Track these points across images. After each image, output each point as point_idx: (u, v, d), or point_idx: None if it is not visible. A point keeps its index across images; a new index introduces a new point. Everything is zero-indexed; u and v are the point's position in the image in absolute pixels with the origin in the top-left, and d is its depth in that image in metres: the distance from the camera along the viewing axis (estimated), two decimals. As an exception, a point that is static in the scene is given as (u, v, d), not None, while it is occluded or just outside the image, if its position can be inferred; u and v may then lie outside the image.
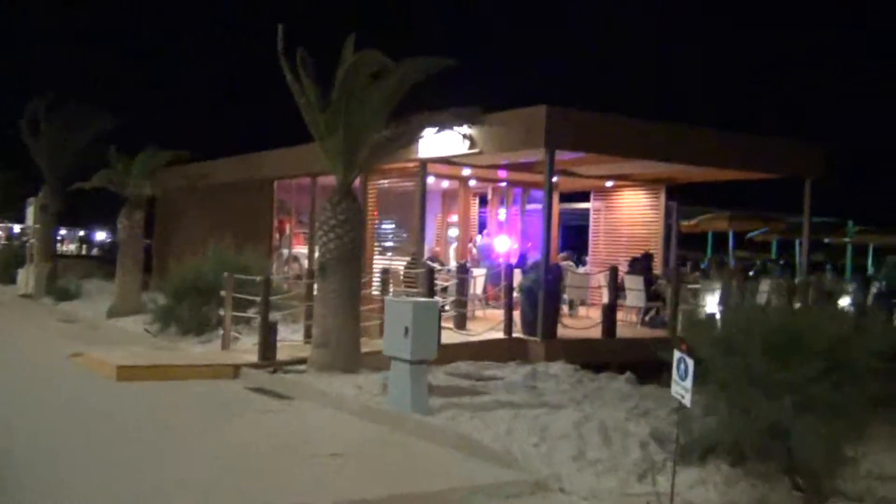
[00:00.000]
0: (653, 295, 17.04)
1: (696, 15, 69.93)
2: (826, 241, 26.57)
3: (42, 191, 27.49)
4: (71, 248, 57.23)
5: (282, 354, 13.75)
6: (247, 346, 14.80)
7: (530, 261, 18.24)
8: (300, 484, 7.74)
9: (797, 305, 9.38)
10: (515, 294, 15.30)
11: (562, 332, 15.02)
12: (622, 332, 15.71)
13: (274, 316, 14.29)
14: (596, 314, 18.32)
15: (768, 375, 8.07)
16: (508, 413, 9.94)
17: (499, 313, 17.54)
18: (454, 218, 21.86)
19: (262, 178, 23.03)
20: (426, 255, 18.06)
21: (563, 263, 18.10)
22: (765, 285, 16.48)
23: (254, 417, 10.49)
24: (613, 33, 71.81)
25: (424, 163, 17.06)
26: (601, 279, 18.25)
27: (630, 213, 20.65)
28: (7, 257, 31.24)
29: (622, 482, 8.07)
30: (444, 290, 16.69)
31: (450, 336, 14.26)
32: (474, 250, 20.23)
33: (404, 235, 19.39)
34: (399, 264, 18.14)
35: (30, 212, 28.52)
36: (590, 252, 21.76)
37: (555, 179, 19.49)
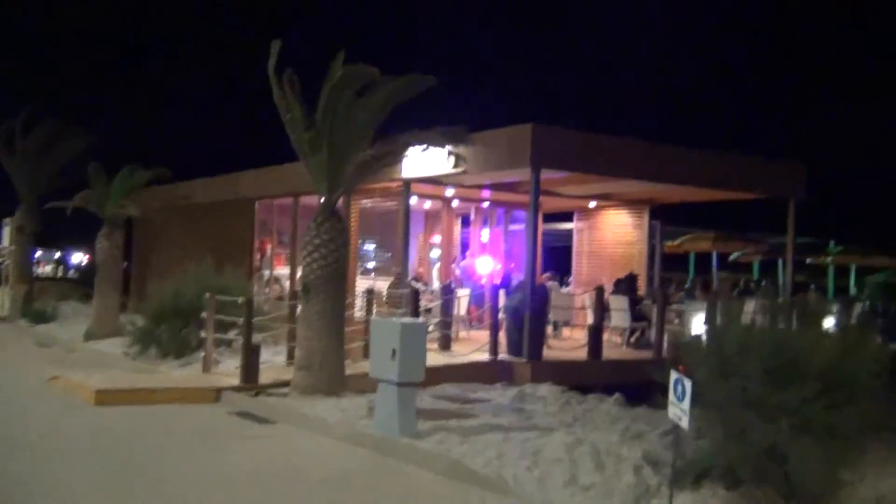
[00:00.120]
0: (637, 315, 16.94)
1: (682, 36, 70.33)
2: (808, 261, 26.66)
3: (18, 211, 27.11)
4: (47, 269, 56.50)
5: (264, 377, 13.51)
6: (228, 369, 14.54)
7: (515, 281, 18.14)
8: (288, 513, 7.54)
9: (782, 326, 9.25)
10: (500, 315, 15.15)
11: (547, 353, 14.91)
12: (608, 353, 15.60)
13: (255, 338, 14.05)
14: (580, 335, 18.24)
15: (765, 397, 7.97)
16: (498, 436, 9.79)
17: (483, 334, 17.40)
18: (437, 238, 21.74)
19: (243, 198, 22.82)
20: (410, 275, 17.90)
21: (548, 284, 17.96)
22: (749, 306, 16.39)
23: (238, 443, 10.24)
24: (597, 53, 72.11)
25: (408, 182, 16.93)
26: (586, 300, 18.16)
27: (613, 233, 20.60)
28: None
29: (617, 508, 7.93)
30: (428, 310, 16.52)
31: (435, 358, 14.06)
32: (457, 271, 20.09)
33: (387, 256, 19.26)
34: (382, 285, 17.97)
35: (6, 232, 28.13)
36: (573, 273, 21.68)
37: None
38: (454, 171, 15.72)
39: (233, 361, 14.81)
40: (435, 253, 21.55)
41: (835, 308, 16.13)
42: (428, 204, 20.45)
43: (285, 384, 13.06)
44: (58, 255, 63.58)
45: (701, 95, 67.51)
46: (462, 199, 19.94)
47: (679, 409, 7.82)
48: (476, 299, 19.06)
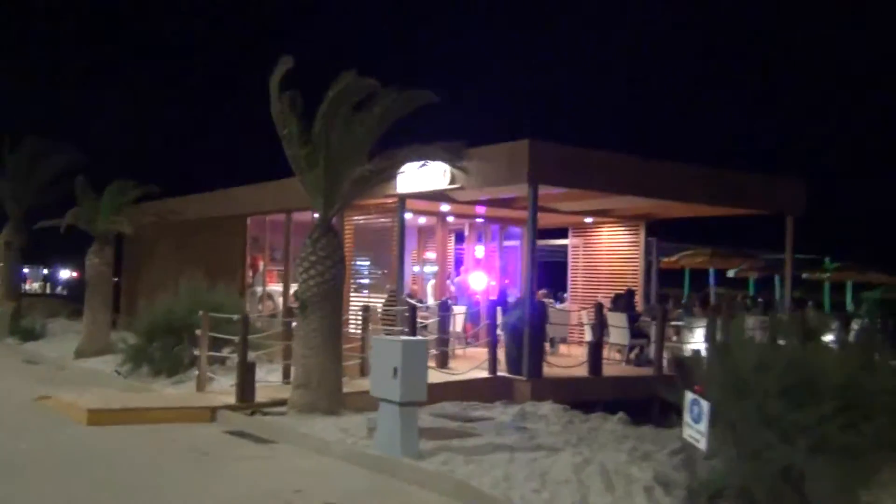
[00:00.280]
0: (636, 332, 16.79)
1: (680, 51, 70.61)
2: (804, 276, 26.61)
3: (6, 227, 26.78)
4: (35, 286, 56.00)
5: (260, 396, 13.27)
6: (223, 388, 14.30)
7: (511, 297, 17.97)
8: (294, 538, 7.31)
9: (794, 343, 9.12)
10: (498, 332, 14.98)
11: (547, 370, 14.72)
12: (607, 370, 15.45)
13: (250, 356, 13.81)
14: (577, 352, 18.10)
15: (781, 416, 7.80)
16: (504, 457, 9.59)
17: (479, 351, 17.22)
18: (430, 254, 21.56)
19: (235, 213, 22.59)
20: (404, 291, 17.70)
21: (544, 301, 17.80)
22: (749, 322, 16.28)
23: (235, 465, 9.99)
24: (594, 68, 72.27)
25: (403, 198, 16.75)
26: (583, 316, 18.02)
27: (609, 249, 20.49)
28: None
29: (630, 530, 7.76)
30: (425, 327, 16.31)
31: (433, 375, 13.80)
32: (452, 287, 19.90)
33: (380, 272, 19.06)
34: (376, 301, 17.77)
35: (-7, 248, 27.75)
36: (568, 289, 21.53)
37: (535, 215, 19.36)
38: (450, 186, 15.57)
39: (227, 379, 14.57)
40: (428, 269, 21.36)
41: (834, 324, 16.03)
42: (422, 220, 20.27)
43: (282, 403, 12.84)
44: (45, 271, 63.11)
45: (697, 109, 67.80)
46: (456, 215, 19.78)
47: (695, 431, 7.67)
48: (472, 316, 18.89)
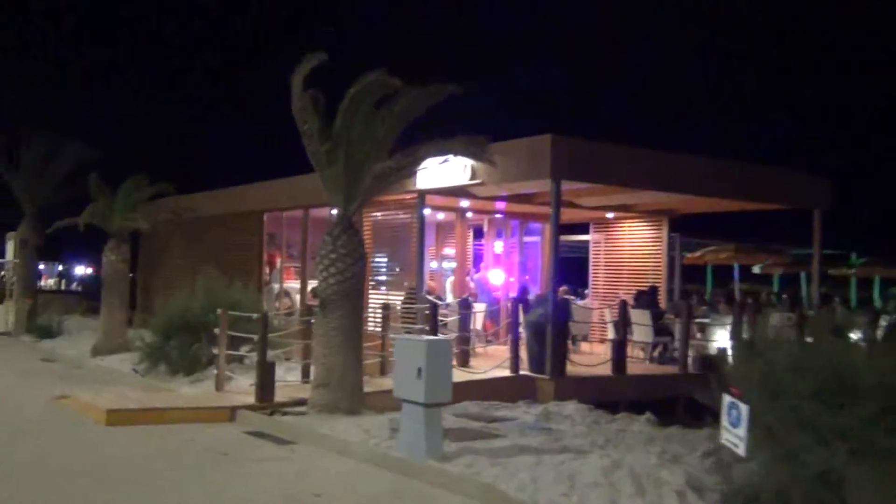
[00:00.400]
0: (660, 329, 16.50)
1: (704, 45, 70.02)
2: (829, 272, 26.22)
3: (21, 224, 26.71)
4: (50, 282, 56.06)
5: (279, 395, 13.09)
6: (241, 387, 14.12)
7: (531, 294, 17.72)
8: (319, 545, 7.11)
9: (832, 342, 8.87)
10: (520, 329, 14.75)
11: (570, 369, 14.47)
12: (631, 368, 15.20)
13: (269, 355, 13.63)
14: (599, 349, 17.86)
15: (819, 418, 7.55)
16: (530, 459, 9.37)
17: (500, 350, 17.02)
18: (448, 251, 21.34)
19: (251, 210, 22.40)
20: (423, 289, 17.47)
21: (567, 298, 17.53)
22: (774, 319, 15.99)
23: (256, 466, 9.80)
24: (617, 59, 71.69)
25: (423, 194, 16.52)
26: (605, 313, 17.75)
27: (631, 245, 20.19)
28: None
29: (663, 537, 7.53)
30: (445, 325, 16.09)
31: (454, 374, 13.57)
32: (471, 284, 19.66)
33: (397, 269, 18.84)
34: (394, 299, 17.55)
35: (9, 246, 27.73)
36: (590, 285, 21.26)
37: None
38: (471, 182, 15.33)
39: (245, 378, 14.41)
40: (447, 265, 21.15)
41: (862, 321, 15.73)
42: (440, 216, 20.05)
43: (302, 402, 12.66)
44: (60, 267, 63.20)
45: (722, 103, 67.24)
46: (476, 211, 19.54)
47: (733, 435, 7.44)
48: (491, 314, 18.67)
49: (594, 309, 19.17)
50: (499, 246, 20.85)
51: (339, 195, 12.51)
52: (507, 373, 14.35)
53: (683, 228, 21.11)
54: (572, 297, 19.22)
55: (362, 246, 12.69)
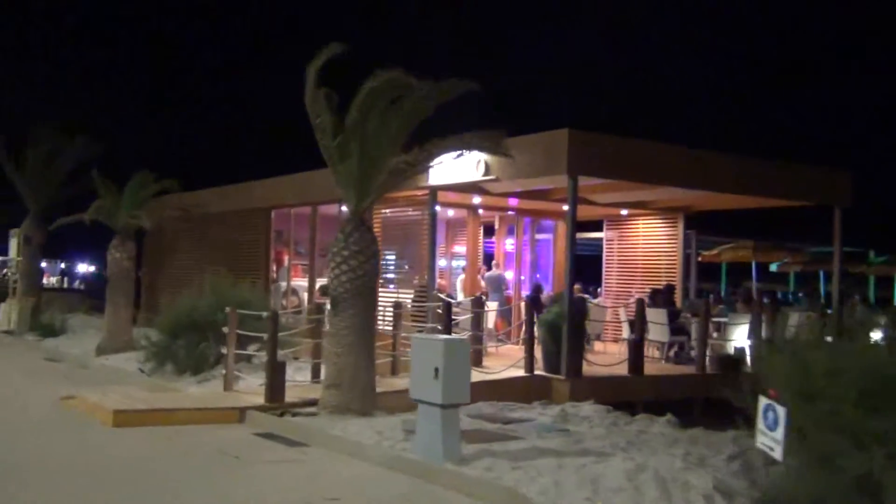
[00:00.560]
0: (676, 329, 16.18)
1: (718, 39, 69.52)
2: (848, 270, 25.84)
3: (25, 221, 26.44)
4: (52, 280, 55.78)
5: (289, 396, 12.81)
6: (250, 387, 13.84)
7: (545, 293, 17.44)
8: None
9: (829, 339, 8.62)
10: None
11: (586, 369, 14.15)
12: (647, 368, 14.86)
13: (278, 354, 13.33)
14: (613, 349, 17.55)
15: (857, 422, 7.24)
16: (551, 462, 9.08)
17: (512, 349, 16.74)
18: (458, 248, 21.04)
19: (258, 207, 22.12)
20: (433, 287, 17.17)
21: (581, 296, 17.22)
22: (794, 319, 15.70)
23: (267, 469, 9.51)
24: (632, 54, 71.26)
25: (434, 190, 16.21)
26: (620, 312, 17.44)
27: (646, 242, 19.86)
28: (-14, 291, 30.03)
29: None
30: (456, 324, 15.79)
31: (467, 374, 13.36)
32: (482, 282, 19.35)
33: (406, 267, 18.55)
34: (403, 297, 17.25)
35: (13, 244, 27.46)
36: (602, 284, 20.94)
37: (566, 208, 18.74)
38: (485, 178, 15.02)
39: (254, 378, 14.14)
40: (456, 263, 20.84)
41: (883, 320, 15.44)
42: (450, 212, 19.74)
43: (312, 403, 12.39)
44: (62, 265, 62.96)
45: (731, 98, 66.78)
46: (487, 208, 19.22)
47: (770, 439, 7.15)
48: (502, 313, 18.38)
49: (608, 307, 18.86)
50: (509, 244, 20.54)
51: (352, 191, 12.22)
52: (521, 373, 14.05)
53: (698, 226, 20.78)
54: (586, 296, 18.92)
55: (375, 243, 12.40)
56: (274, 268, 22.36)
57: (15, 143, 25.89)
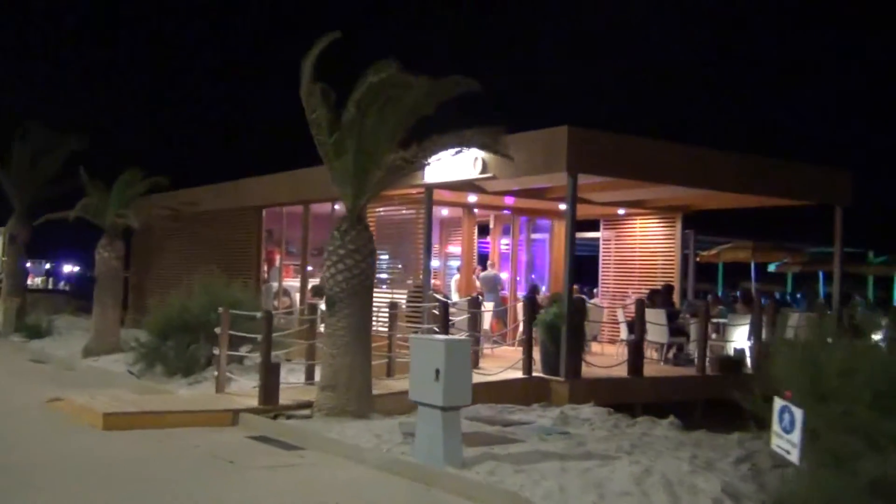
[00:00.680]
0: (675, 330, 15.97)
1: (718, 38, 69.38)
2: (847, 270, 25.67)
3: (10, 220, 26.02)
4: (37, 281, 55.25)
5: (282, 398, 12.52)
6: (242, 389, 13.56)
7: (542, 293, 17.21)
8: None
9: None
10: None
11: (585, 370, 13.94)
12: (646, 369, 14.64)
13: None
14: (610, 350, 17.33)
15: (873, 424, 7.04)
16: (554, 466, 8.84)
17: (509, 350, 16.52)
18: (452, 248, 20.78)
19: (249, 205, 21.80)
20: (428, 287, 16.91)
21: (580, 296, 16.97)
22: (793, 319, 15.54)
23: (264, 474, 9.23)
24: (629, 52, 71.13)
25: (430, 189, 15.96)
26: (619, 313, 17.22)
27: (643, 242, 19.66)
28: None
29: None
30: (452, 325, 15.54)
31: (465, 376, 13.10)
32: (477, 283, 19.11)
33: (399, 267, 18.30)
34: (397, 298, 16.98)
35: (-3, 243, 27.09)
36: (599, 284, 20.73)
37: (563, 207, 18.50)
38: (482, 175, 14.77)
39: (246, 380, 13.86)
40: (451, 263, 20.59)
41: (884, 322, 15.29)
42: (444, 212, 19.48)
43: (307, 405, 12.13)
44: (47, 266, 62.41)
45: (730, 96, 66.68)
46: (482, 207, 18.97)
47: (786, 441, 6.93)
48: (498, 314, 18.15)
49: (605, 308, 18.65)
50: (504, 243, 20.30)
51: (348, 188, 11.96)
52: (519, 374, 13.83)
53: (696, 226, 20.59)
54: (584, 297, 18.70)
55: (372, 241, 12.15)
56: (265, 268, 22.05)
57: (1, 139, 25.50)
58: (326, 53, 11.46)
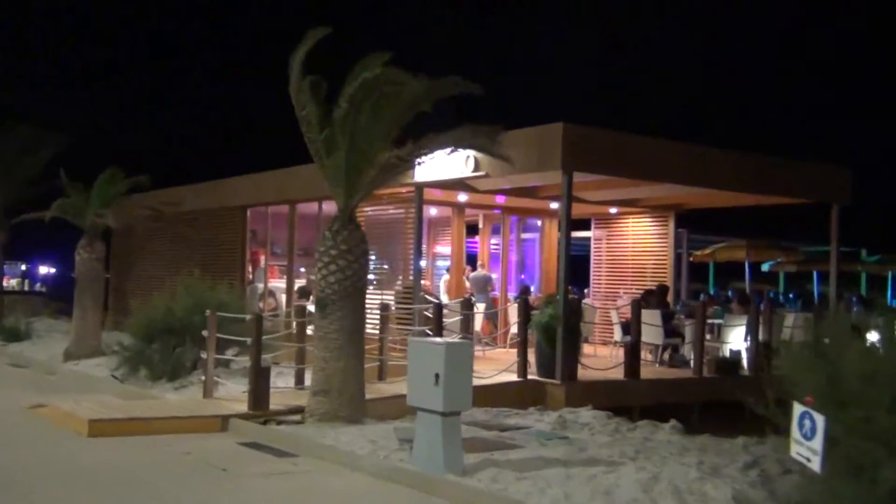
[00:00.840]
0: (670, 331, 15.73)
1: (715, 32, 69.34)
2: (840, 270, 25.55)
3: (-10, 222, 25.51)
4: (12, 283, 54.44)
5: (272, 402, 12.18)
6: (231, 393, 13.23)
7: (534, 294, 16.95)
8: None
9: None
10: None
11: (581, 373, 13.68)
12: (642, 372, 14.39)
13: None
14: (603, 351, 17.10)
15: (893, 430, 6.81)
16: (559, 472, 8.61)
17: (501, 353, 16.26)
18: (440, 249, 20.48)
19: (233, 205, 21.39)
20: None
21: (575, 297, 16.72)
22: (789, 320, 15.38)
23: (259, 483, 8.91)
24: (625, 49, 70.86)
25: (421, 188, 15.65)
26: (613, 314, 16.97)
27: (636, 242, 19.42)
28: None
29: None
30: (444, 327, 15.22)
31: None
32: (467, 283, 18.82)
33: (385, 267, 17.99)
34: (385, 299, 16.65)
35: (-27, 244, 26.48)
36: (590, 284, 20.48)
37: (555, 206, 18.28)
38: (474, 174, 14.46)
39: (233, 384, 13.54)
40: (440, 263, 20.28)
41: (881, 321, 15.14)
42: (433, 211, 19.17)
43: (298, 410, 11.81)
44: (24, 267, 61.55)
45: (726, 96, 66.71)
46: (472, 206, 18.67)
47: (806, 449, 6.68)
48: (488, 315, 17.88)
49: (597, 309, 18.41)
50: (494, 243, 20.00)
51: (340, 187, 11.64)
52: (513, 377, 13.54)
53: (689, 224, 20.38)
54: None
55: (365, 242, 11.83)
56: (249, 269, 21.66)
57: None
58: (326, 53, 11.20)
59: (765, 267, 26.46)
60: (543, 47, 70.76)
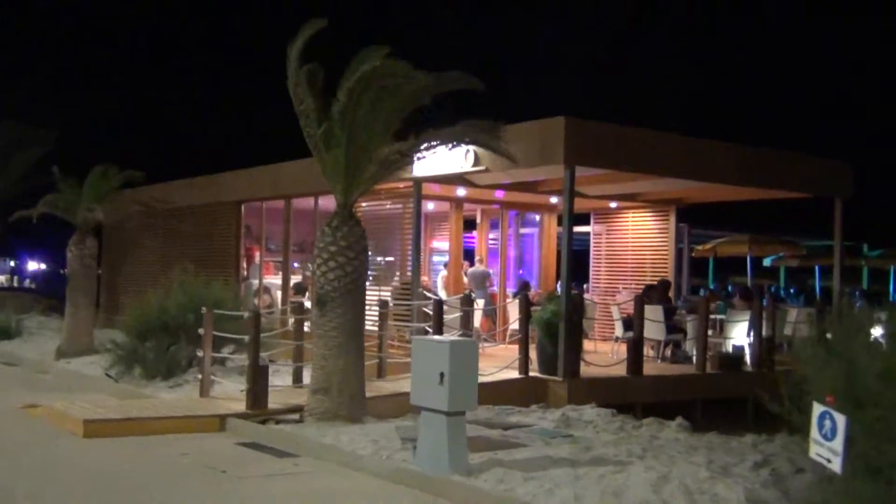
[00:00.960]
0: (672, 327, 15.56)
1: (718, 36, 68.99)
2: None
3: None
4: (1, 279, 54.05)
5: (271, 401, 11.96)
6: (227, 392, 13.01)
7: (533, 290, 16.77)
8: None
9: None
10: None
11: (583, 369, 13.49)
12: (645, 368, 14.23)
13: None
14: (604, 348, 16.92)
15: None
16: (566, 472, 8.43)
17: (500, 349, 16.05)
18: (437, 244, 20.28)
19: (228, 201, 21.13)
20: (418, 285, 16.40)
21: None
22: (792, 315, 15.22)
23: (260, 484, 8.72)
24: (625, 42, 70.58)
25: (419, 182, 15.44)
26: (614, 310, 16.79)
27: (636, 236, 19.24)
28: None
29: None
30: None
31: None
32: (465, 279, 18.62)
33: (382, 263, 17.79)
34: (383, 295, 16.45)
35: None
36: (590, 280, 20.30)
37: (555, 201, 18.11)
38: (473, 169, 14.28)
39: (230, 382, 13.32)
40: (437, 259, 20.08)
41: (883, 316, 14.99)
42: (430, 206, 18.95)
43: (297, 409, 11.61)
44: (12, 264, 61.05)
45: (735, 89, 66.47)
46: (472, 201, 18.46)
47: (827, 450, 6.50)
48: (486, 312, 17.70)
49: (597, 304, 18.23)
50: (492, 238, 19.79)
51: (340, 183, 11.42)
52: (515, 374, 13.36)
53: (689, 219, 20.19)
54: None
55: (364, 238, 11.62)
56: (244, 265, 21.42)
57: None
58: (326, 52, 11.00)
59: (767, 261, 26.30)
60: (542, 42, 70.48)
